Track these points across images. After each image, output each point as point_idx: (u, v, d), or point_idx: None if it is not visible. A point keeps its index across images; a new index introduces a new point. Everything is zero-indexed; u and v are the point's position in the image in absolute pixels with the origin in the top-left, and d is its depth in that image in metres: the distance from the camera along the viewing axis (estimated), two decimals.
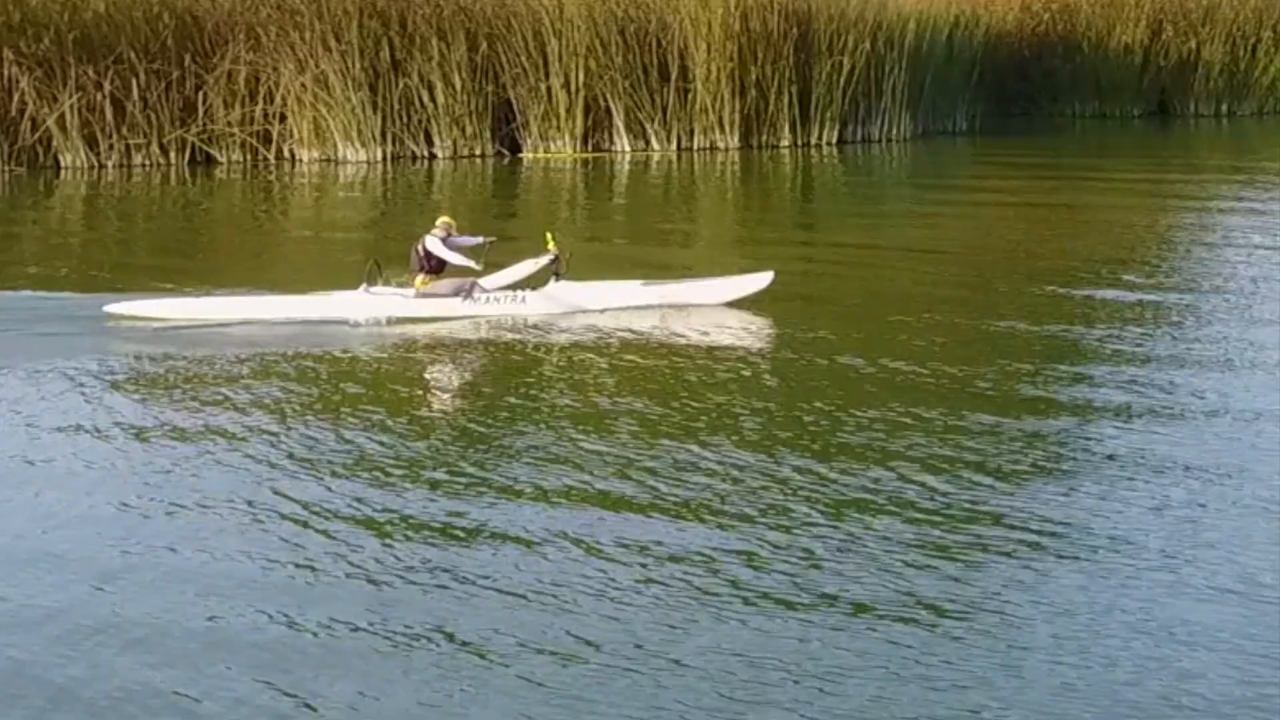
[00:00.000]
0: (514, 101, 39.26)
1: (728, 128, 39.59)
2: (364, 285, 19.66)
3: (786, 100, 39.67)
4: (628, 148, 39.57)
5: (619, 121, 39.43)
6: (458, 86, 38.70)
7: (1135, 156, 40.64)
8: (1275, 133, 46.25)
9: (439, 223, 20.06)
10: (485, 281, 19.72)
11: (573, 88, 39.13)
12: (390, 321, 19.36)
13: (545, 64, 38.96)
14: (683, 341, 18.05)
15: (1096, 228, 27.73)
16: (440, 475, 12.63)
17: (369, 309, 19.53)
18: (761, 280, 19.96)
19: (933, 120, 43.01)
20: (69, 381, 16.42)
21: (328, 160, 38.31)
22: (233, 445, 13.73)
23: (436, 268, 19.80)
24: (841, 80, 39.96)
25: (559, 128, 39.30)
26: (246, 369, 16.96)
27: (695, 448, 13.12)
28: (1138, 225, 27.59)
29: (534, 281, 19.79)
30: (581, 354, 17.52)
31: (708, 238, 28.83)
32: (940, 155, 40.83)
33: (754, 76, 39.38)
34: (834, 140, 40.50)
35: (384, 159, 38.65)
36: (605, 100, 39.35)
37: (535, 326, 19.00)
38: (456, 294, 19.65)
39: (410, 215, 29.11)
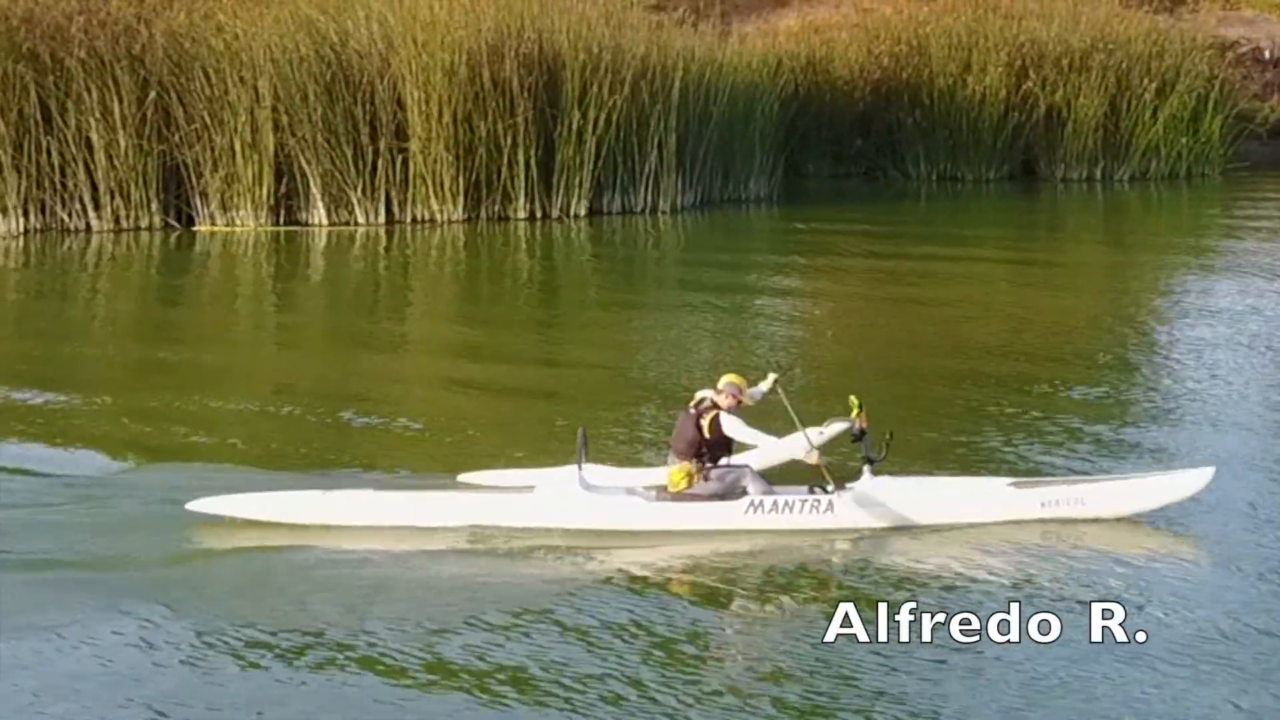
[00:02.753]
0: (188, 163, 32.96)
1: (449, 197, 33.35)
2: (579, 468, 13.29)
3: (524, 163, 33.28)
4: (325, 220, 33.24)
5: (315, 189, 33.07)
6: (122, 145, 32.51)
7: (968, 233, 34.70)
8: (1159, 204, 39.70)
9: (724, 384, 13.50)
10: (751, 468, 13.43)
11: (260, 147, 32.78)
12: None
13: (227, 118, 32.62)
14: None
15: (871, 333, 22.08)
16: None
17: (589, 514, 13.14)
18: (1201, 477, 13.37)
19: (722, 187, 36.52)
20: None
21: None
22: None
23: (715, 454, 13.32)
24: (594, 139, 33.40)
25: (242, 196, 32.98)
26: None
27: None
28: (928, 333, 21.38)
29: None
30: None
31: (411, 337, 23.46)
32: (718, 231, 34.53)
33: (483, 134, 32.98)
34: (584, 211, 34.01)
35: (25, 231, 32.52)
36: (300, 162, 32.94)
37: (848, 555, 12.67)
38: (726, 495, 13.16)
39: (57, 306, 24.21)
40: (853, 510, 12.99)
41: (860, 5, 46.00)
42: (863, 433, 13.31)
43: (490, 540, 12.70)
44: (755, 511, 12.97)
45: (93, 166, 33.17)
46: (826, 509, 12.98)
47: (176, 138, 33.41)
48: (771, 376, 14.02)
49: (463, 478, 14.03)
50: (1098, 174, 41.88)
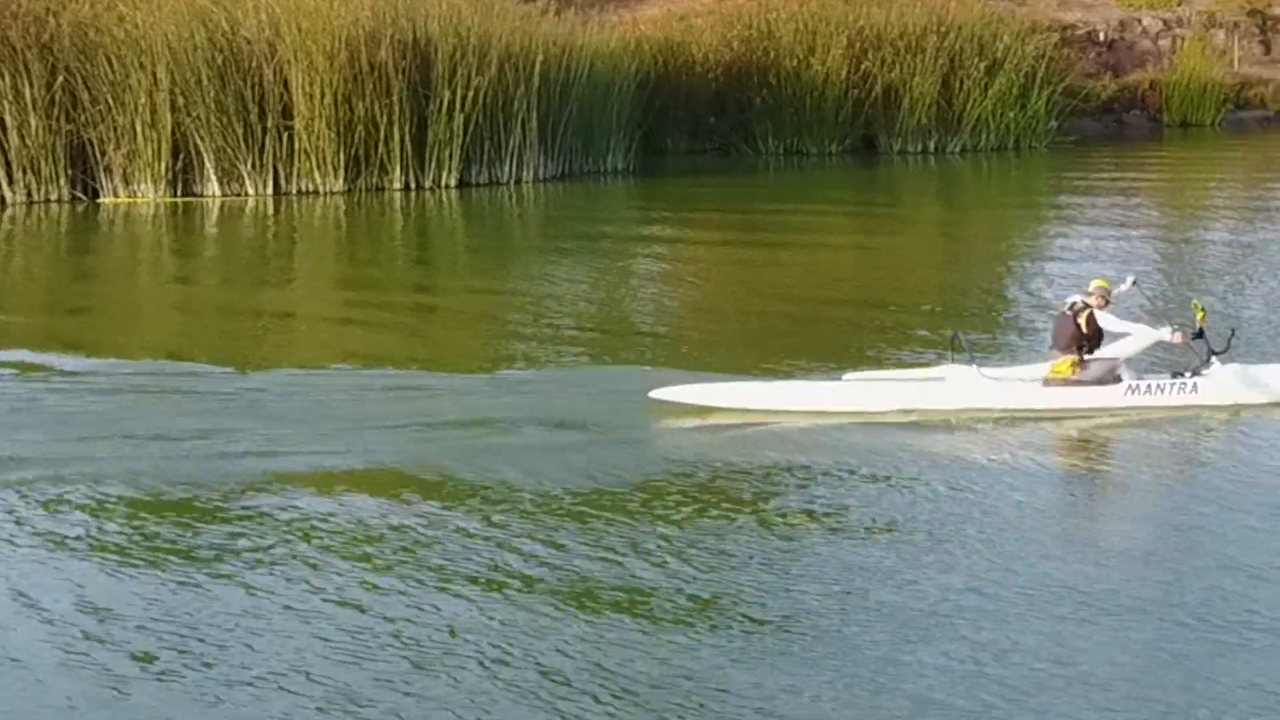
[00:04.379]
0: (94, 141, 36.79)
1: (331, 169, 37.42)
2: (972, 364, 16.75)
3: (398, 139, 37.34)
4: (219, 192, 37.18)
5: (209, 164, 37.02)
6: (33, 125, 36.41)
7: (811, 199, 39.14)
8: (987, 172, 44.25)
9: (1094, 287, 16.79)
10: (1122, 358, 16.69)
11: (159, 125, 36.69)
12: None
13: (128, 100, 36.48)
14: None
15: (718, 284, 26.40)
16: None
17: (990, 396, 16.50)
18: None
19: (582, 160, 40.80)
20: None
21: None
22: None
23: (1094, 348, 16.64)
24: (462, 116, 37.48)
25: (143, 170, 36.88)
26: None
27: None
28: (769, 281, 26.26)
29: (1179, 363, 16.92)
30: None
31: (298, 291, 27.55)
32: (578, 199, 38.87)
33: (361, 113, 37.00)
34: (454, 182, 38.16)
35: None
36: (195, 140, 36.87)
37: (1214, 429, 16.06)
38: (1105, 380, 16.58)
39: None
40: (1214, 389, 16.34)
41: None
42: (1201, 331, 16.55)
43: (912, 418, 16.24)
44: (1133, 393, 16.38)
45: (6, 145, 37.02)
46: (1192, 390, 16.33)
47: (83, 118, 37.32)
48: (1130, 278, 17.53)
49: (848, 377, 17.23)
50: (931, 146, 46.28)
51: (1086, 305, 16.54)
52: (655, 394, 16.53)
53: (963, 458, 14.92)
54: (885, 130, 46.39)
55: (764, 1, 46.87)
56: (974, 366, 16.66)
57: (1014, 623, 10.57)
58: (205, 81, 37.22)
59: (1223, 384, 16.42)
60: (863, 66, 45.57)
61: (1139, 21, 57.88)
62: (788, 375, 17.85)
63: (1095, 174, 43.74)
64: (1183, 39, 56.49)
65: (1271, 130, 53.94)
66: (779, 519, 12.97)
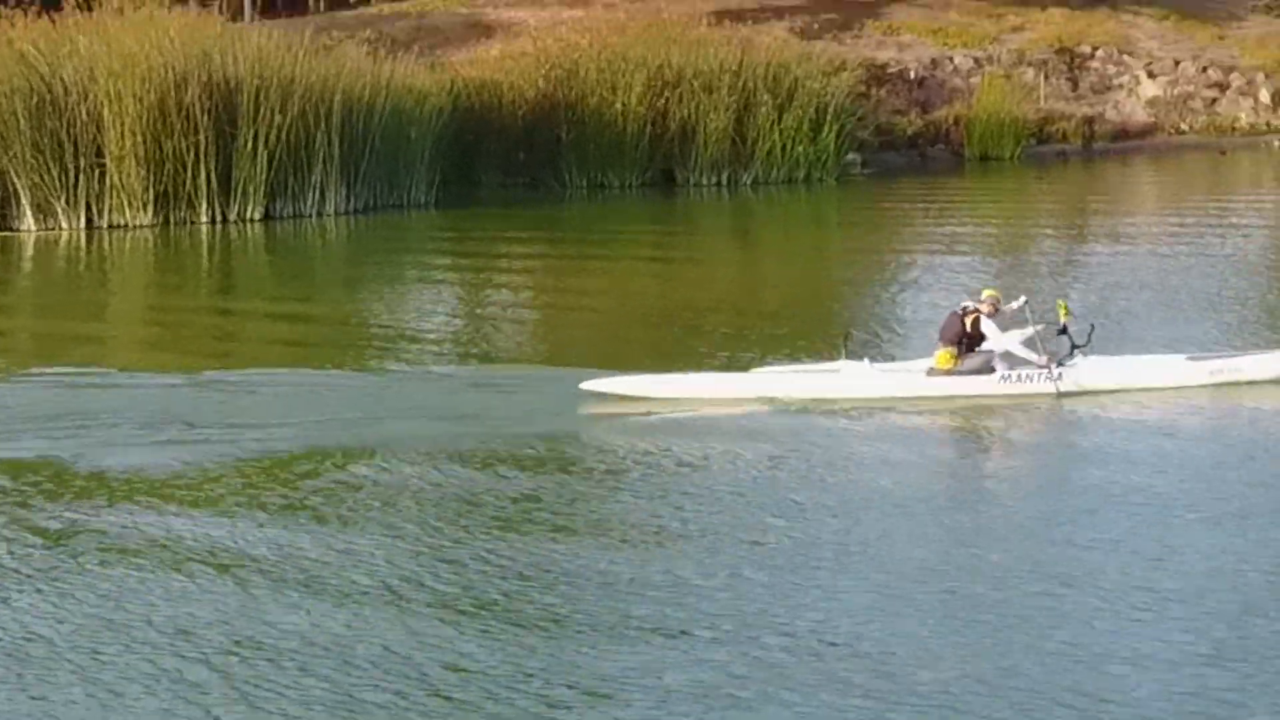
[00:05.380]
0: None
1: (141, 205, 40.27)
2: (865, 359, 19.70)
3: (205, 174, 40.25)
4: (34, 227, 40.02)
5: (25, 200, 39.87)
6: None
7: (611, 227, 43.02)
8: (771, 203, 47.63)
9: (986, 296, 19.68)
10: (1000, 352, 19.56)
11: None
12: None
13: None
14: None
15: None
16: None
17: (880, 385, 19.43)
18: None
19: (385, 193, 43.80)
20: None
21: None
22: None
23: (968, 347, 19.45)
24: (266, 152, 40.44)
25: None
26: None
27: None
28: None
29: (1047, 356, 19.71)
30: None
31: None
32: (379, 229, 41.86)
33: (170, 150, 39.93)
34: (258, 216, 41.10)
35: None
36: (11, 177, 39.74)
37: (1073, 412, 18.86)
38: (982, 371, 19.41)
39: None
40: (1075, 379, 19.20)
41: (540, 36, 53.29)
42: (1065, 328, 19.50)
43: (804, 405, 19.07)
44: (1005, 382, 19.35)
45: None
46: (1057, 378, 19.18)
47: None
48: (1022, 298, 20.31)
49: (757, 370, 20.31)
50: (725, 179, 49.51)
51: (976, 310, 19.43)
52: (585, 385, 19.48)
53: (855, 438, 17.94)
54: (682, 164, 49.57)
55: (572, 44, 50.03)
56: (865, 360, 19.67)
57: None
58: (22, 122, 40.01)
59: (1082, 374, 19.42)
60: (660, 104, 48.75)
61: (951, 60, 61.38)
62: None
63: (874, 203, 47.59)
64: (993, 76, 59.94)
65: (1066, 163, 57.48)
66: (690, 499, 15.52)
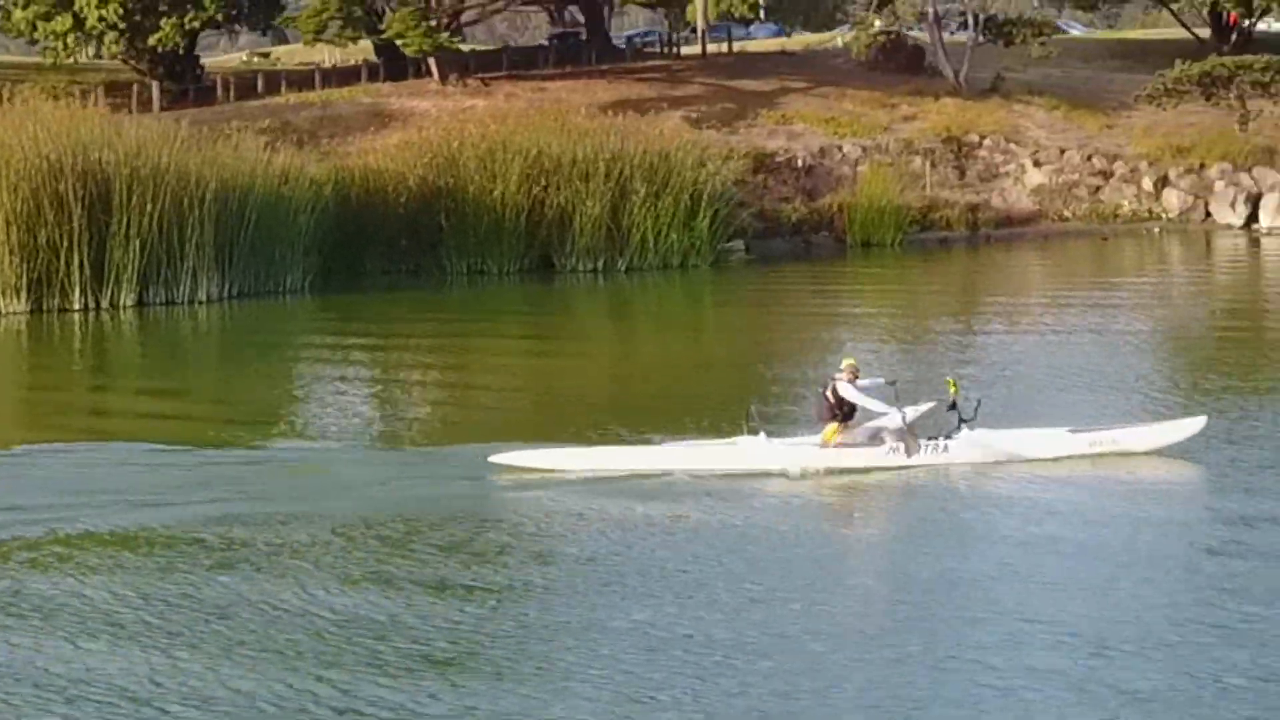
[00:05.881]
0: None
1: (14, 292, 41.30)
2: (760, 433, 20.89)
3: (78, 262, 41.39)
4: None
5: None
6: None
7: (488, 311, 44.62)
8: (645, 288, 49.04)
9: (844, 365, 21.13)
10: (890, 426, 20.89)
11: None
12: (803, 474, 20.59)
13: None
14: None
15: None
16: None
17: (778, 458, 20.71)
18: (1194, 425, 21.41)
19: (261, 280, 44.90)
20: None
21: None
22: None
23: (847, 415, 20.77)
24: (138, 240, 41.64)
25: None
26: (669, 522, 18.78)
27: None
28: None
29: (934, 430, 21.14)
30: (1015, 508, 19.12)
31: None
32: (253, 315, 42.95)
33: (43, 239, 41.08)
34: (131, 302, 42.20)
35: None
36: None
37: (964, 480, 20.44)
38: (874, 443, 20.82)
39: None
40: (962, 452, 20.79)
41: (428, 126, 54.71)
42: (954, 403, 20.95)
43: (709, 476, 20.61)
44: (894, 454, 20.95)
45: None
46: (944, 450, 20.81)
47: None
48: (884, 380, 22.06)
49: (662, 444, 21.87)
50: (600, 265, 50.82)
51: (834, 379, 21.14)
52: (495, 458, 20.85)
53: (751, 503, 19.62)
54: (559, 250, 50.90)
55: (453, 133, 51.49)
56: (762, 435, 20.96)
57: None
58: None
59: (968, 446, 20.92)
60: (538, 191, 50.19)
61: (839, 148, 62.96)
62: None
63: (745, 287, 49.60)
64: (880, 165, 61.50)
65: (950, 249, 58.91)
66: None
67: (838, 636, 14.76)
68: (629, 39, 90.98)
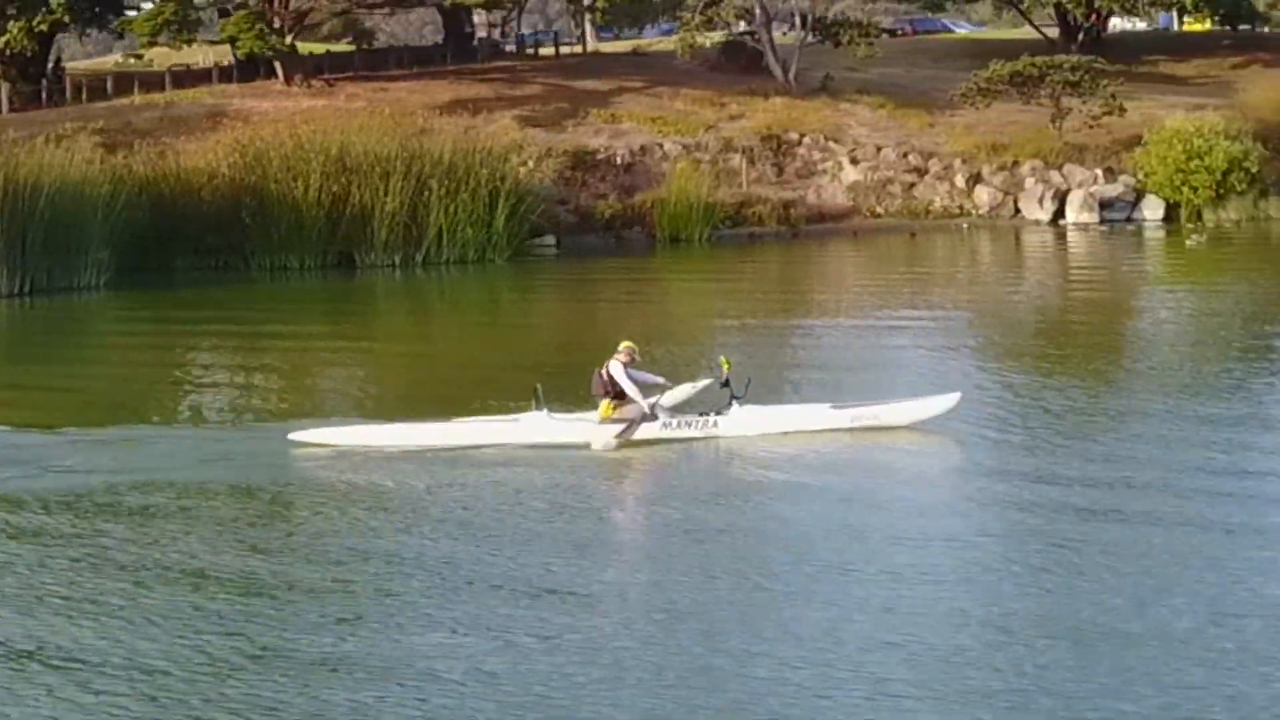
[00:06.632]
0: None
1: None
2: (543, 410, 22.62)
3: None
4: None
5: None
6: None
7: (288, 305, 46.73)
8: (440, 281, 51.19)
9: (622, 348, 22.68)
10: (663, 404, 22.81)
11: None
12: (605, 448, 22.36)
13: None
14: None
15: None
16: None
17: (559, 433, 22.41)
18: (949, 401, 23.35)
19: (56, 276, 46.75)
20: None
21: None
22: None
23: (619, 394, 22.52)
24: None
25: None
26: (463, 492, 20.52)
27: None
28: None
29: (708, 405, 22.99)
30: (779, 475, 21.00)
31: None
32: (37, 313, 44.72)
33: None
34: None
35: None
36: None
37: (732, 450, 22.24)
38: (648, 418, 22.48)
39: None
40: (731, 425, 22.68)
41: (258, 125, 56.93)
42: (728, 380, 22.72)
43: (492, 451, 22.25)
44: (668, 428, 22.73)
45: None
46: (714, 425, 22.76)
47: None
48: (663, 380, 23.37)
49: (454, 420, 23.44)
50: (399, 260, 53.09)
51: (610, 362, 22.64)
52: (294, 435, 22.77)
53: (532, 477, 21.28)
54: (360, 246, 53.15)
55: (255, 135, 53.81)
56: (544, 411, 22.86)
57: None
58: None
59: (738, 421, 22.80)
60: (339, 189, 52.41)
61: (660, 146, 65.23)
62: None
63: (538, 279, 52.49)
64: (699, 162, 63.83)
65: (758, 244, 61.15)
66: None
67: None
68: (521, 38, 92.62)
